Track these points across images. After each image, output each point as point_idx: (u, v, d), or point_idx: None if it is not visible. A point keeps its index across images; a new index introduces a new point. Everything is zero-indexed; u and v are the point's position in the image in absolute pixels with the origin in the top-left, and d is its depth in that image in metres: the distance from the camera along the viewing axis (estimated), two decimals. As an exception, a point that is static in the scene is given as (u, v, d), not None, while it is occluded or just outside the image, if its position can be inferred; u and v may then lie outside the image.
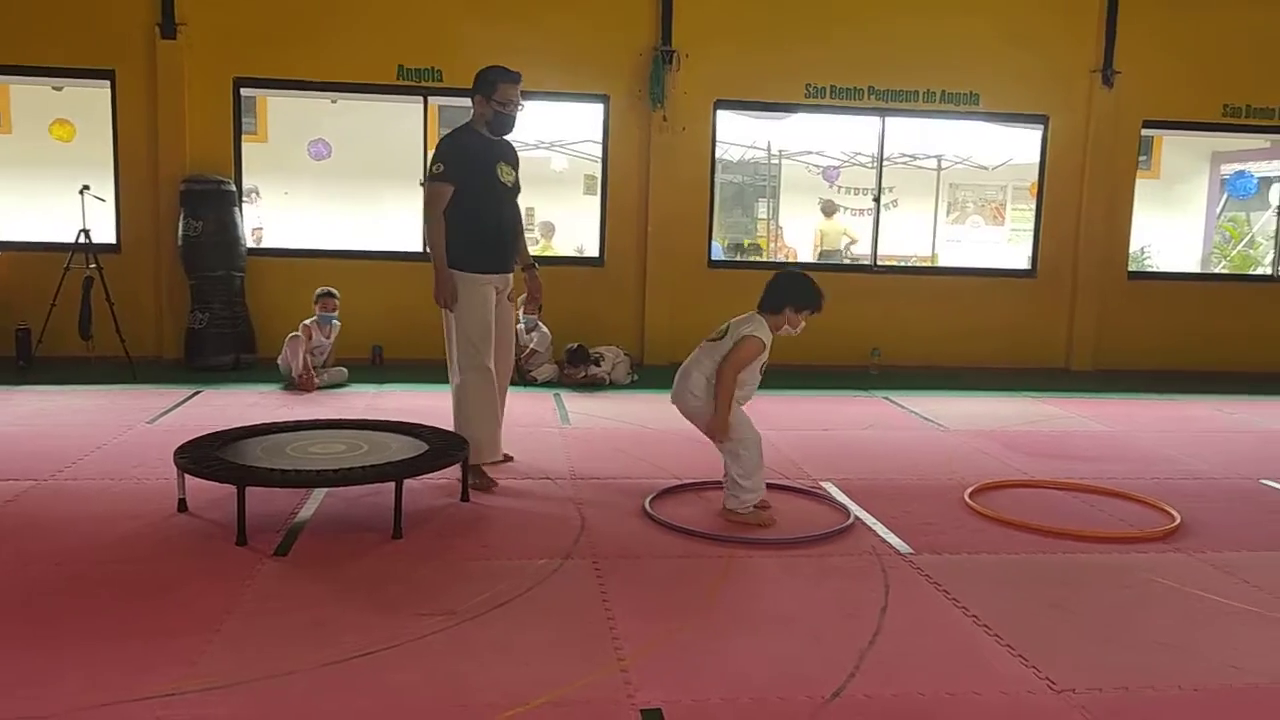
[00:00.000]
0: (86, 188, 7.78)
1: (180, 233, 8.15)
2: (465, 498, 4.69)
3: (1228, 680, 3.05)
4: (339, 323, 7.77)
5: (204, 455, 4.30)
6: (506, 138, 5.05)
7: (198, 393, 7.15)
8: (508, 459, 5.30)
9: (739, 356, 4.33)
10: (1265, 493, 5.32)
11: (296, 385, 7.36)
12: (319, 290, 7.74)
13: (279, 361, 7.57)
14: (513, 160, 5.09)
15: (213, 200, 8.15)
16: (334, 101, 11.80)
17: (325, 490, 4.58)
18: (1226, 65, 9.43)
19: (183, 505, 4.36)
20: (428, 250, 5.06)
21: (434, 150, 5.05)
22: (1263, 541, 4.45)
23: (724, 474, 4.53)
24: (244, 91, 8.71)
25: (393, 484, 4.14)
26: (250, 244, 11.13)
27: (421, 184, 8.81)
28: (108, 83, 8.42)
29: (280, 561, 3.83)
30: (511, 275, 5.16)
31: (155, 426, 6.05)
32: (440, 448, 4.58)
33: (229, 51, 8.45)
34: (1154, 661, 3.16)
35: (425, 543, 4.09)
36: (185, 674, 2.86)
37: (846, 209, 13.71)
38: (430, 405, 6.76)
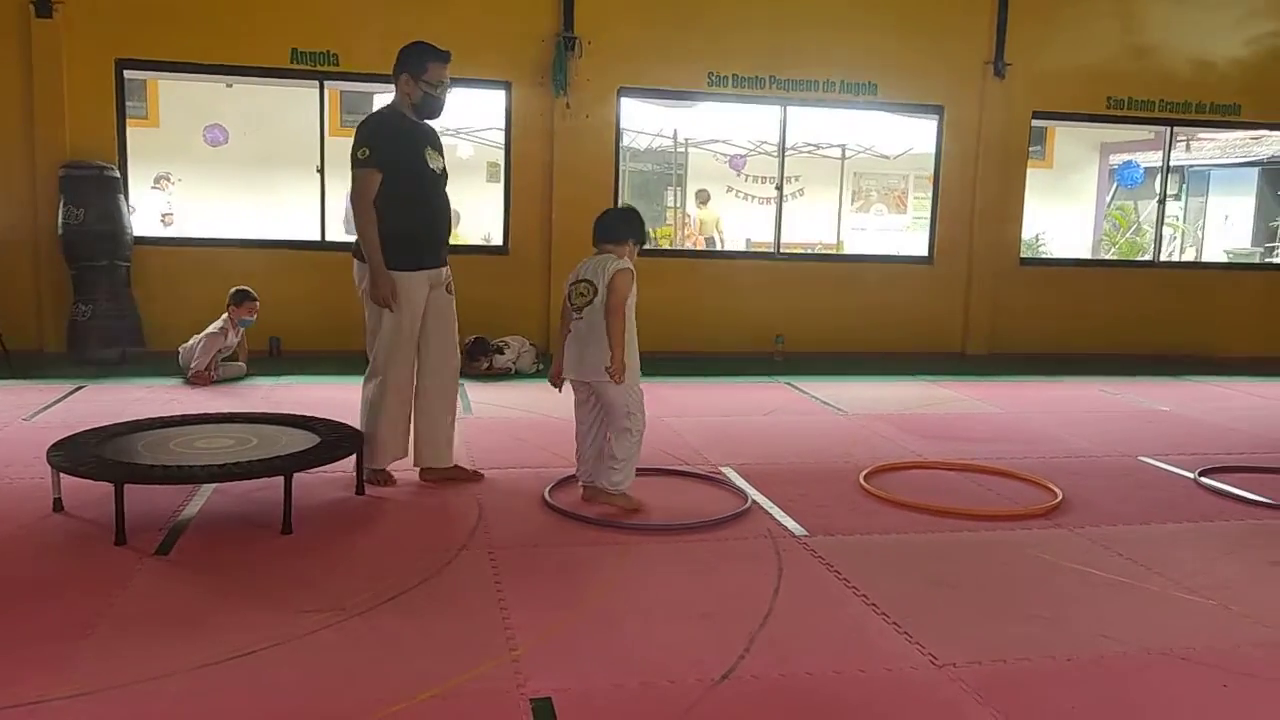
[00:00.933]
0: (-44, 175, 7.40)
1: (60, 221, 7.78)
2: (360, 491, 4.60)
3: (1099, 650, 3.17)
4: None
5: (80, 453, 4.13)
6: (429, 122, 4.69)
7: (81, 388, 6.86)
8: (479, 476, 4.90)
9: (622, 292, 4.26)
10: (1142, 469, 5.55)
11: (191, 380, 7.12)
12: (237, 290, 7.43)
13: (180, 349, 7.29)
14: (438, 145, 4.70)
15: (95, 187, 7.80)
16: (229, 85, 11.45)
17: (213, 486, 4.43)
18: (1110, 60, 9.79)
19: (58, 505, 4.18)
20: (356, 242, 4.56)
21: (357, 133, 4.48)
22: (1137, 515, 4.64)
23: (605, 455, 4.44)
24: (128, 74, 8.35)
25: (282, 478, 4.03)
26: (162, 230, 10.87)
27: (318, 170, 8.63)
28: (-21, 64, 8.00)
29: (161, 561, 3.70)
30: (446, 269, 4.75)
31: (33, 423, 5.78)
32: (333, 440, 4.48)
33: (110, 31, 8.08)
34: (1031, 634, 3.27)
35: (316, 537, 4.00)
36: (53, 681, 2.74)
37: (752, 194, 13.88)
38: (329, 397, 6.64)
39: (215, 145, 12.72)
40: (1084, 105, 9.90)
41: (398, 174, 4.45)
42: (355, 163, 4.43)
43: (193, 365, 7.12)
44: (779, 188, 9.85)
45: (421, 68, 4.52)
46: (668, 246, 12.33)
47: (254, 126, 12.44)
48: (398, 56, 4.56)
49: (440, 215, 4.71)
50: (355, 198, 4.46)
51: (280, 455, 4.19)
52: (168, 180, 11.99)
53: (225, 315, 7.34)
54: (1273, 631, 3.34)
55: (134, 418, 4.89)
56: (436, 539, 4.03)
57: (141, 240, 8.37)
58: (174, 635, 3.06)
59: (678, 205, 13.80)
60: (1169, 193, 12.17)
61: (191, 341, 7.25)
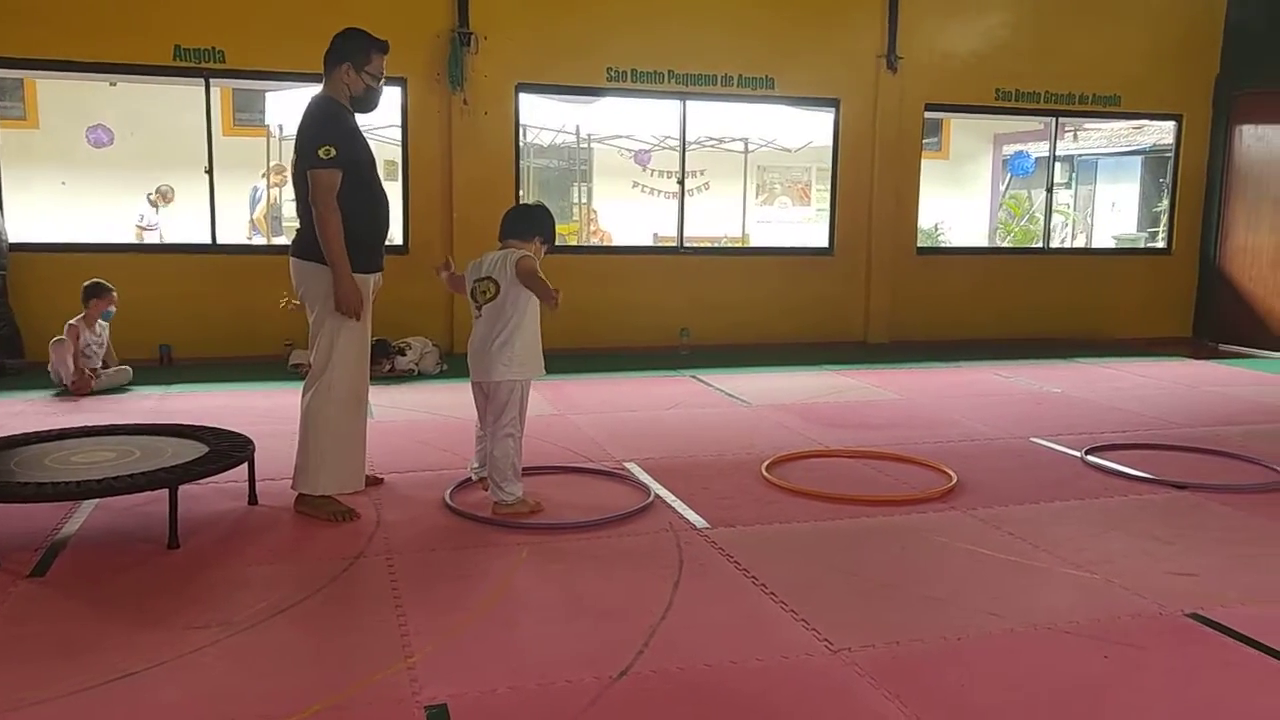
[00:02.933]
0: None
1: (-72, 229, 7.40)
2: (253, 500, 4.46)
3: (987, 627, 3.25)
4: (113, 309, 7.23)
5: (-54, 472, 3.91)
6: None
7: (-46, 404, 6.53)
8: (379, 480, 4.80)
9: (531, 268, 4.15)
10: (1034, 450, 5.73)
11: (70, 391, 6.83)
12: (92, 283, 7.12)
13: (50, 369, 7.00)
14: None
15: (-35, 192, 7.43)
16: (113, 84, 11.03)
17: (94, 502, 4.25)
18: (997, 52, 10.07)
19: (-76, 529, 3.96)
20: (295, 241, 4.28)
21: (314, 130, 4.12)
22: (1028, 495, 4.79)
23: (488, 467, 4.39)
24: (-1, 73, 7.99)
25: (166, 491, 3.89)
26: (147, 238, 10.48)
27: (207, 171, 8.35)
28: None
29: (36, 583, 3.52)
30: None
31: (-100, 443, 5.46)
32: (222, 449, 4.34)
33: (-23, 28, 7.70)
34: (923, 615, 3.35)
35: (204, 551, 3.86)
36: (-88, 715, 2.59)
37: (658, 189, 13.90)
38: (223, 405, 6.44)
39: (99, 147, 12.24)
40: (973, 97, 10.17)
41: (356, 171, 4.16)
42: (317, 163, 4.04)
43: (63, 377, 6.86)
44: (681, 182, 9.89)
45: (365, 58, 4.24)
46: (574, 243, 12.28)
47: (140, 127, 12.01)
48: (334, 45, 4.27)
49: (387, 214, 4.48)
50: (319, 199, 4.04)
51: (164, 467, 4.03)
52: (164, 199, 11.53)
53: (80, 316, 7.03)
54: (1150, 603, 3.47)
55: (9, 433, 4.66)
56: (332, 547, 3.93)
57: (19, 247, 7.98)
58: (48, 660, 2.92)
59: (583, 200, 13.77)
60: (1059, 181, 12.61)
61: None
